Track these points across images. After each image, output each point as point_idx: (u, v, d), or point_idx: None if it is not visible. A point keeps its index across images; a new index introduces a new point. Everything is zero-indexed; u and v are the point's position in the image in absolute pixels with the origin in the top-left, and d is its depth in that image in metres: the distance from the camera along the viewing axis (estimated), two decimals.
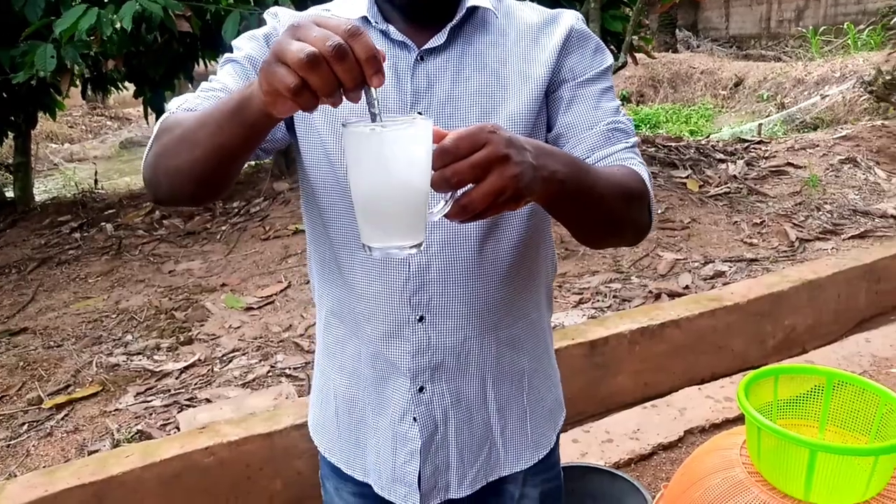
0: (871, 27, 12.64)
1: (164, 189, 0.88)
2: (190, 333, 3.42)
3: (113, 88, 6.14)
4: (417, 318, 0.96)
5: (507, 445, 1.05)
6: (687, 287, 3.71)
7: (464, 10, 0.94)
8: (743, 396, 1.44)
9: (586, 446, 2.40)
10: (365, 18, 0.95)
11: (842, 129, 6.38)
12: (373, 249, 0.69)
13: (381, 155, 0.65)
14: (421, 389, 0.99)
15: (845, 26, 13.19)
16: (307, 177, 0.99)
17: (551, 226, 1.08)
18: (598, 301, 3.58)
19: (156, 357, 3.22)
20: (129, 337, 3.43)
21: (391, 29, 0.94)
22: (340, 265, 0.99)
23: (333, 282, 1.02)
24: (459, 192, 0.67)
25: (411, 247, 0.69)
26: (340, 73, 0.61)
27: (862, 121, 7.22)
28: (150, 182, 0.89)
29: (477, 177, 0.66)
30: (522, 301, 1.03)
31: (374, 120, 0.65)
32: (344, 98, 0.64)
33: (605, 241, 0.97)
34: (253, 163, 5.26)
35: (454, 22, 0.94)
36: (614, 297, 3.62)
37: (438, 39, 0.93)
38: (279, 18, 0.99)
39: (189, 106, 0.90)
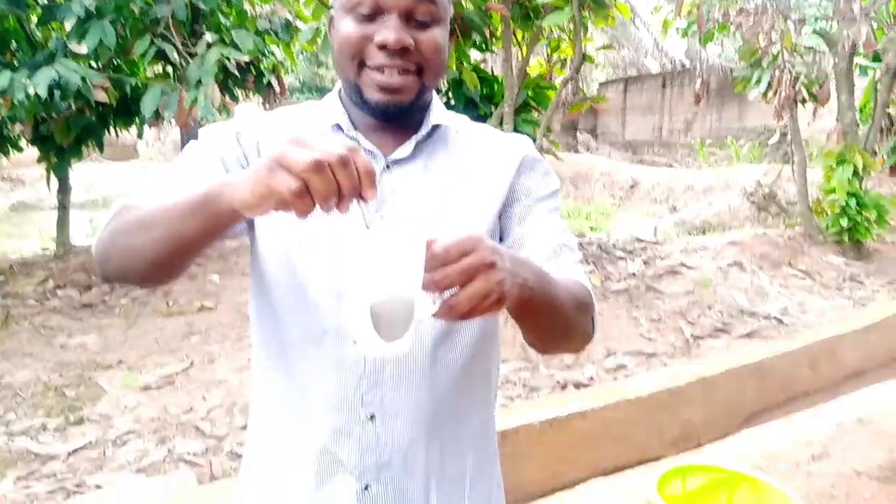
0: (750, 143, 13.93)
1: (113, 265, 0.89)
2: (81, 413, 3.21)
3: (12, 149, 5.86)
4: (368, 416, 0.97)
5: None
6: (591, 378, 3.84)
7: (429, 127, 1.01)
8: (658, 497, 1.51)
9: None
10: (338, 125, 1.00)
11: (729, 234, 6.89)
12: (366, 348, 0.72)
13: (377, 257, 0.69)
14: (366, 487, 0.98)
15: (728, 140, 14.47)
16: (262, 273, 0.99)
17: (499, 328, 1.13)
18: (507, 389, 3.63)
19: (41, 438, 2.99)
20: (11, 415, 3.18)
21: (361, 138, 0.99)
22: (290, 362, 0.99)
23: (279, 377, 1.01)
24: (447, 293, 0.72)
25: (403, 345, 0.72)
26: (342, 179, 0.67)
27: (746, 227, 7.82)
28: (100, 257, 0.91)
29: (464, 281, 0.71)
30: (471, 404, 1.05)
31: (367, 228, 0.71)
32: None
33: (556, 346, 1.02)
34: None
35: (420, 136, 1.00)
36: (524, 385, 3.69)
37: (405, 151, 0.99)
38: (249, 117, 1.03)
39: (154, 188, 0.93)
